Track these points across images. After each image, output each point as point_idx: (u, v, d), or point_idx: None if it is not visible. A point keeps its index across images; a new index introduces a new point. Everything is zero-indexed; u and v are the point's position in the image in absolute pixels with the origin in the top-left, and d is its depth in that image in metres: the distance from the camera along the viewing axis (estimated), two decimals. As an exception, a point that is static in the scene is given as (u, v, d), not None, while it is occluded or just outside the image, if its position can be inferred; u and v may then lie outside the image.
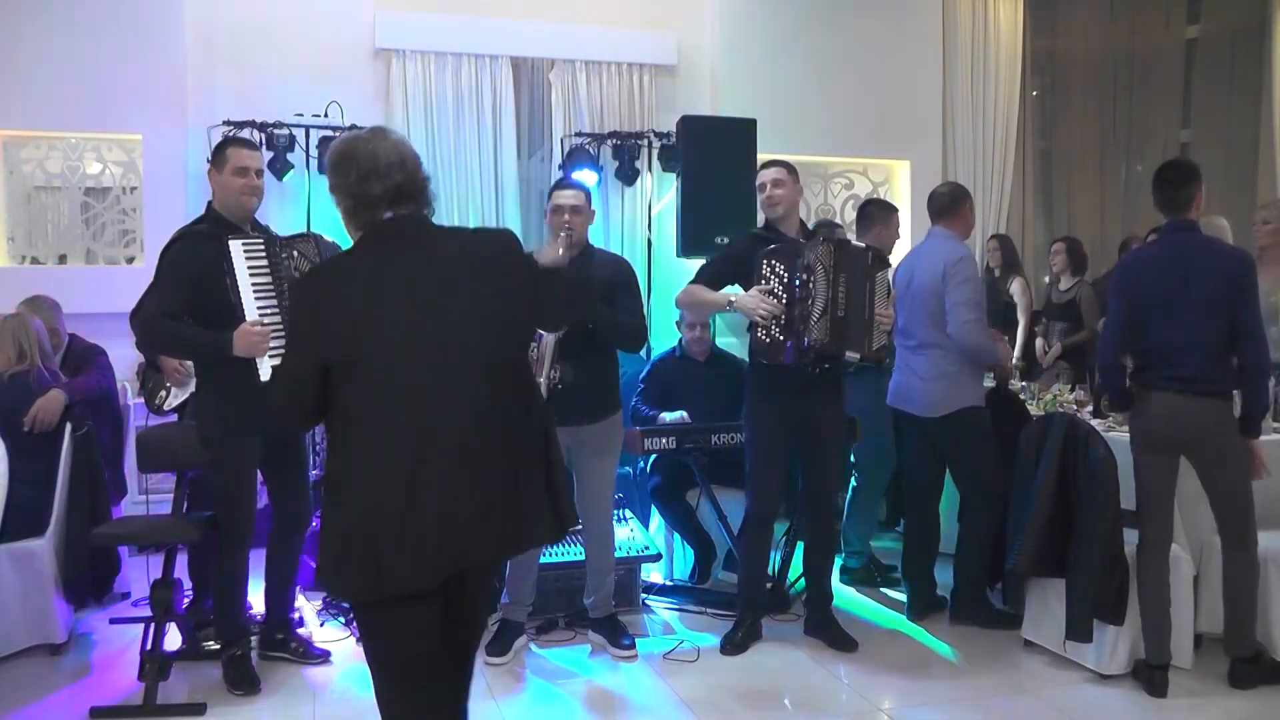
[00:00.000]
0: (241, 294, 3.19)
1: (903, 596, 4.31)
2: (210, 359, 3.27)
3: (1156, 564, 3.42)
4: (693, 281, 3.88)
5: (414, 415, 2.04)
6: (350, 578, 2.06)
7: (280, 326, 3.18)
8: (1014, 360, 5.35)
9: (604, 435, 3.71)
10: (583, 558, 3.92)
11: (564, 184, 3.76)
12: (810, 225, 4.19)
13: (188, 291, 3.22)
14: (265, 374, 3.13)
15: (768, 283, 3.63)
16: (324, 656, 3.67)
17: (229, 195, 3.36)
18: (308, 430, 2.11)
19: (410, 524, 2.02)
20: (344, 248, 3.58)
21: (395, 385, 2.05)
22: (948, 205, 4.10)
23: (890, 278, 3.77)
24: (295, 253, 3.33)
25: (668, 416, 4.37)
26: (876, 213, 4.62)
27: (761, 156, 5.72)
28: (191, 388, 3.96)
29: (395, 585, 2.03)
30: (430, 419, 2.05)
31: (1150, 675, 3.40)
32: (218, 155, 3.39)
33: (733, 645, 3.80)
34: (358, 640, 3.88)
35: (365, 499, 2.04)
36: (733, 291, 3.77)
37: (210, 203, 3.45)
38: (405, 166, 2.17)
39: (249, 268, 3.23)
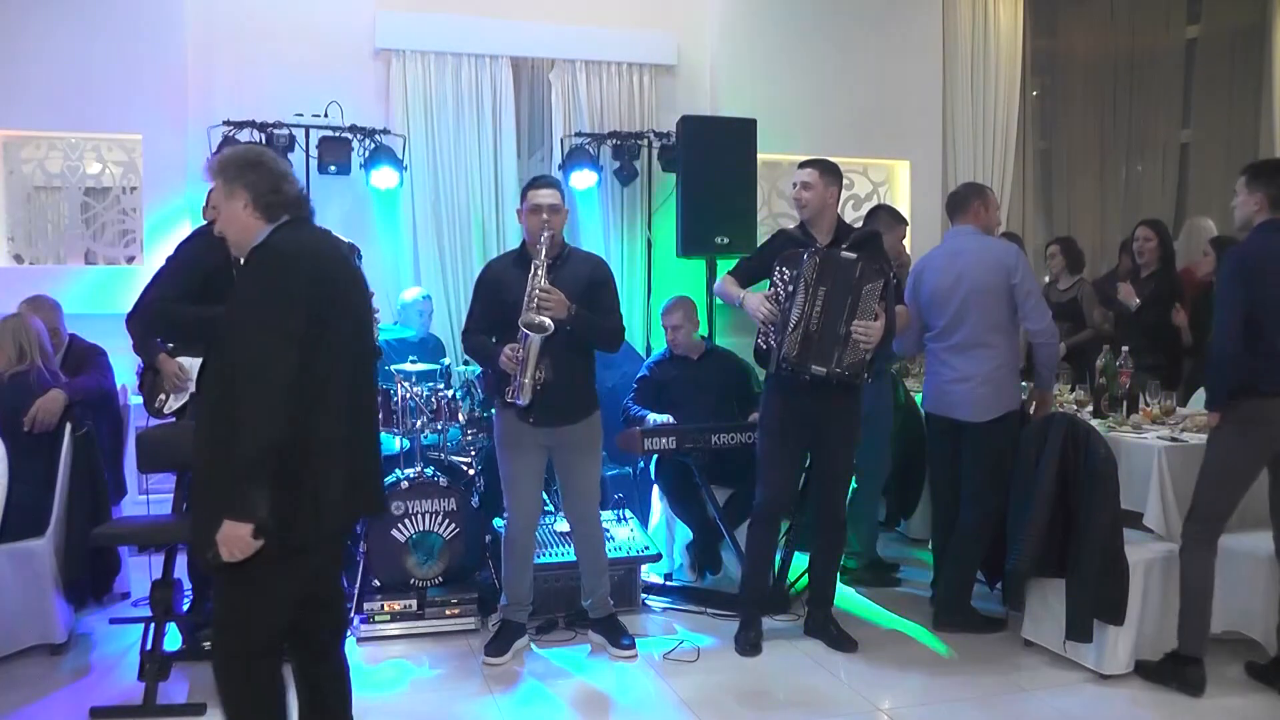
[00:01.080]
0: None
1: (902, 595, 4.31)
2: (207, 336, 3.29)
3: (1208, 560, 3.39)
4: (729, 272, 3.92)
5: (356, 381, 2.42)
6: (319, 517, 2.31)
7: None
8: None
9: (586, 434, 3.72)
10: (582, 557, 3.91)
11: (541, 182, 3.67)
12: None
13: (193, 284, 3.26)
14: None
15: (775, 288, 3.65)
16: None
17: None
18: (288, 378, 2.22)
19: (355, 465, 2.39)
20: (349, 241, 3.63)
21: (351, 351, 2.40)
22: (955, 203, 4.07)
23: (881, 288, 3.64)
24: None
25: (653, 419, 4.37)
26: (883, 217, 4.58)
27: (762, 157, 5.73)
28: (190, 390, 3.96)
29: (348, 517, 2.47)
30: (363, 389, 2.47)
31: (1183, 672, 3.39)
32: None
33: (749, 645, 3.78)
34: (358, 636, 3.89)
35: (335, 442, 2.33)
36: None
37: None
38: (298, 180, 2.50)
39: None
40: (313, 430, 2.28)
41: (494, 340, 3.62)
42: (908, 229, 4.65)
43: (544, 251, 3.51)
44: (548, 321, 3.41)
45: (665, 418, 4.36)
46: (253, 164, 2.40)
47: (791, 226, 3.94)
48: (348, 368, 2.39)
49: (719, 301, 4.36)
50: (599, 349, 3.77)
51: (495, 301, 3.63)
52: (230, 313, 2.31)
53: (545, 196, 3.59)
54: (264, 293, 2.25)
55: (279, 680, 2.44)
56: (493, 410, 4.61)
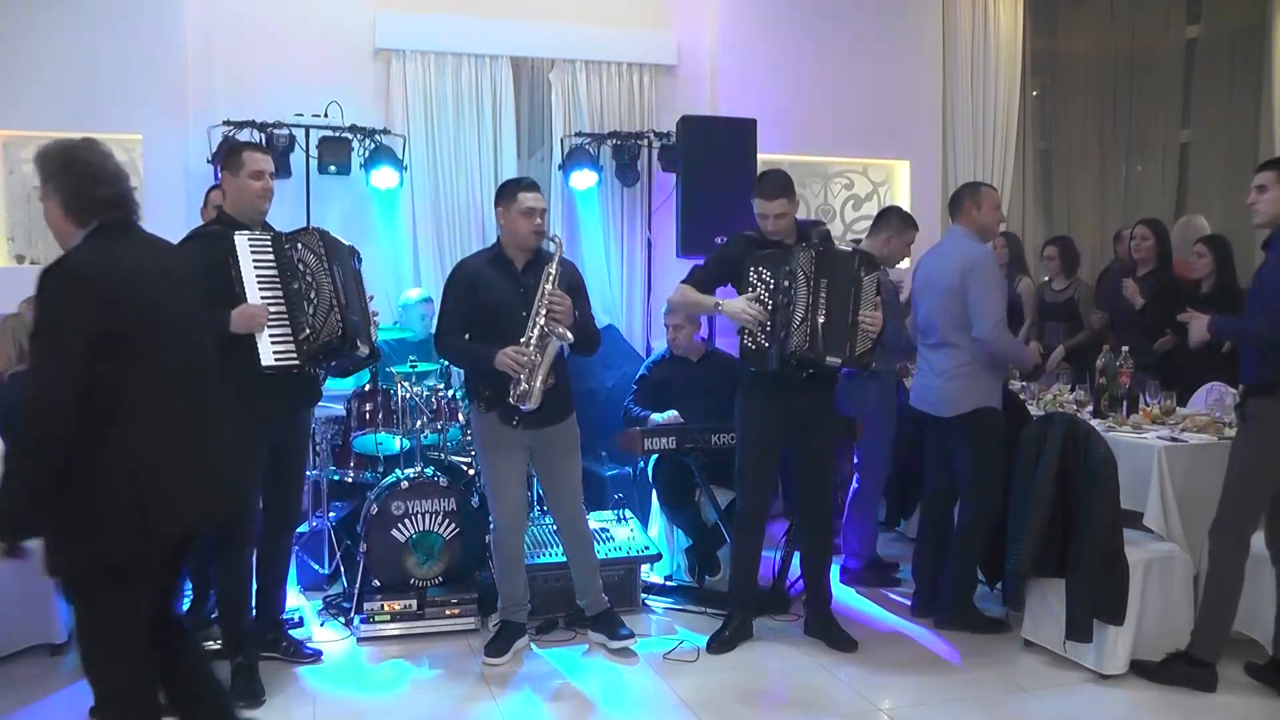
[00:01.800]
0: (245, 284, 3.26)
1: (904, 598, 4.31)
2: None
3: (1240, 564, 3.37)
4: (684, 281, 3.87)
5: (186, 387, 2.35)
6: (149, 528, 2.23)
7: (283, 315, 3.27)
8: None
9: (567, 434, 3.74)
10: (581, 558, 3.90)
11: (528, 183, 3.65)
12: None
13: None
14: (266, 357, 3.23)
15: (755, 290, 3.64)
16: (315, 656, 3.69)
17: (245, 198, 3.37)
18: (66, 407, 2.17)
19: (195, 471, 2.33)
20: (347, 242, 3.61)
21: (173, 359, 2.32)
22: (954, 204, 4.08)
23: (877, 280, 3.70)
24: (300, 245, 3.36)
25: (658, 417, 4.36)
26: (893, 219, 4.56)
27: (762, 157, 5.72)
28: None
29: (191, 521, 2.35)
30: (196, 394, 2.38)
31: (1192, 674, 3.39)
32: (231, 159, 3.40)
33: (720, 644, 3.80)
34: (353, 630, 3.89)
35: (160, 453, 2.25)
36: (725, 294, 3.79)
37: (220, 207, 3.49)
38: (123, 178, 2.39)
39: (254, 260, 3.29)
40: (120, 447, 2.21)
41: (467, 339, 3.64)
42: (915, 232, 4.62)
43: (556, 258, 3.54)
44: (569, 333, 3.46)
45: (671, 414, 4.35)
46: (66, 164, 2.31)
47: (749, 232, 3.90)
48: (169, 377, 2.31)
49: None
50: (581, 353, 3.78)
51: (471, 302, 3.61)
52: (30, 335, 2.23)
53: (538, 200, 3.60)
54: (48, 318, 2.21)
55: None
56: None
